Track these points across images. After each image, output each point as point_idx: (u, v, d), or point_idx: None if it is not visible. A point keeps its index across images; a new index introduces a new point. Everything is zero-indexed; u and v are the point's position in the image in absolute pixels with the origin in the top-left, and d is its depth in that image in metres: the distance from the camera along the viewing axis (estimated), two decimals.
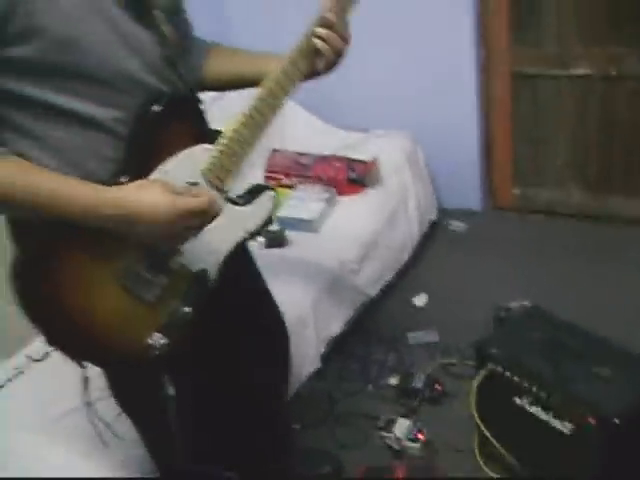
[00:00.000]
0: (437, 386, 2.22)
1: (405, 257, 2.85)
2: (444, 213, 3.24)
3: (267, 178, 2.86)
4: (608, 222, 3.03)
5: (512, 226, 3.19)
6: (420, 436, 2.04)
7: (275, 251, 2.43)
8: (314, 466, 1.98)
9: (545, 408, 1.69)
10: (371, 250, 2.58)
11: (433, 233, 3.14)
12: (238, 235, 1.30)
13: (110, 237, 1.14)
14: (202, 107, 1.28)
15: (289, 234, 2.50)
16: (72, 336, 1.19)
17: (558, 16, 2.83)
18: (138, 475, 1.72)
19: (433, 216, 3.14)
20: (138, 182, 1.14)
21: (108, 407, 1.50)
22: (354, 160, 2.81)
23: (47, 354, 2.07)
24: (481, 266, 2.90)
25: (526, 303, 2.38)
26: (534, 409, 1.71)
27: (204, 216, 1.17)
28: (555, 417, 1.67)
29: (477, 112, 3.11)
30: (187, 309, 1.25)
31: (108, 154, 1.16)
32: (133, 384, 1.38)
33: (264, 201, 1.32)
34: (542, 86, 3.00)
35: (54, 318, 1.16)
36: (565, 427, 1.65)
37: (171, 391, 1.31)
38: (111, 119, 1.14)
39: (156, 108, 1.16)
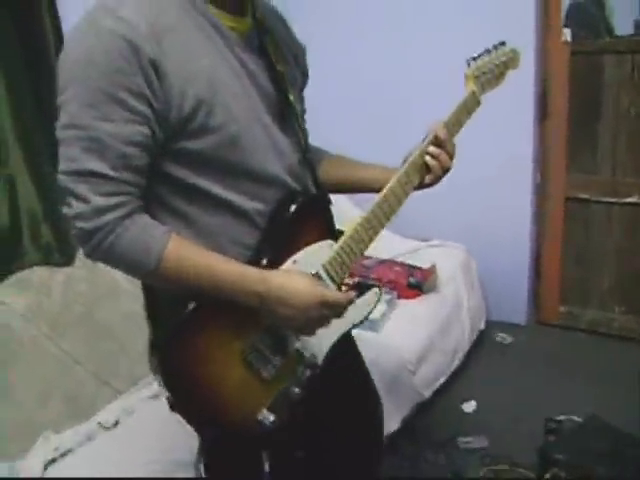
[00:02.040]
0: None
1: (456, 363, 2.94)
2: (491, 324, 3.36)
3: None
4: None
5: (556, 342, 3.29)
6: None
7: None
8: None
9: None
10: (427, 353, 2.68)
11: (481, 342, 3.25)
12: (345, 326, 1.41)
13: (243, 315, 1.24)
14: (331, 206, 1.41)
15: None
16: (194, 402, 1.26)
17: (613, 146, 3.03)
18: None
19: (482, 326, 3.26)
20: (286, 269, 1.27)
21: None
22: (413, 266, 2.97)
23: (117, 423, 2.18)
24: (526, 378, 2.98)
25: (574, 417, 2.47)
26: None
27: (342, 309, 1.29)
28: None
29: (530, 230, 3.28)
30: (297, 390, 1.34)
31: (248, 242, 1.28)
32: (231, 458, 1.43)
33: (370, 296, 1.43)
34: (594, 211, 3.17)
35: (183, 385, 1.24)
36: None
37: (267, 468, 1.36)
38: (256, 211, 1.27)
39: (293, 207, 1.30)
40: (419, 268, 2.96)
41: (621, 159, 3.04)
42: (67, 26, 2.30)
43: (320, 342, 1.38)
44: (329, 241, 1.37)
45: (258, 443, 1.36)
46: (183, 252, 1.18)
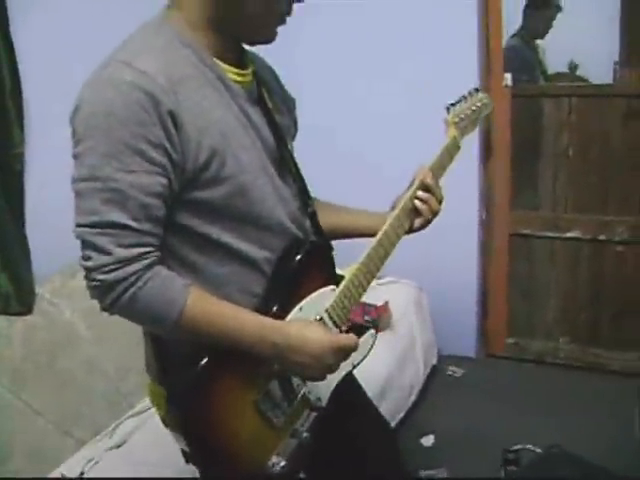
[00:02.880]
0: None
1: (413, 398, 3.00)
2: (442, 358, 3.43)
3: None
4: (595, 373, 3.26)
5: (505, 373, 3.39)
6: None
7: None
8: None
9: None
10: (387, 389, 2.72)
11: (433, 376, 3.31)
12: (347, 367, 1.44)
13: (253, 365, 1.27)
14: (332, 253, 1.46)
15: None
16: (211, 453, 1.27)
17: (554, 185, 3.19)
18: None
19: (434, 360, 3.33)
20: (299, 318, 1.31)
21: None
22: (368, 304, 3.01)
23: (82, 474, 2.13)
24: (480, 409, 3.05)
25: (531, 446, 2.56)
26: None
27: (350, 353, 1.32)
28: None
29: (476, 266, 3.39)
30: (305, 434, 1.37)
31: (255, 290, 1.31)
32: None
33: (367, 338, 1.48)
34: (537, 246, 3.31)
35: (202, 437, 1.26)
36: None
37: None
38: (264, 259, 1.30)
39: (298, 256, 1.34)
40: (374, 306, 3.01)
41: (561, 196, 3.19)
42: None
43: (324, 385, 1.41)
44: (331, 286, 1.41)
45: None
46: (204, 304, 1.20)
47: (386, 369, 2.79)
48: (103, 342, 2.45)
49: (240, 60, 1.31)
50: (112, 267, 1.11)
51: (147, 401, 2.47)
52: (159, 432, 2.23)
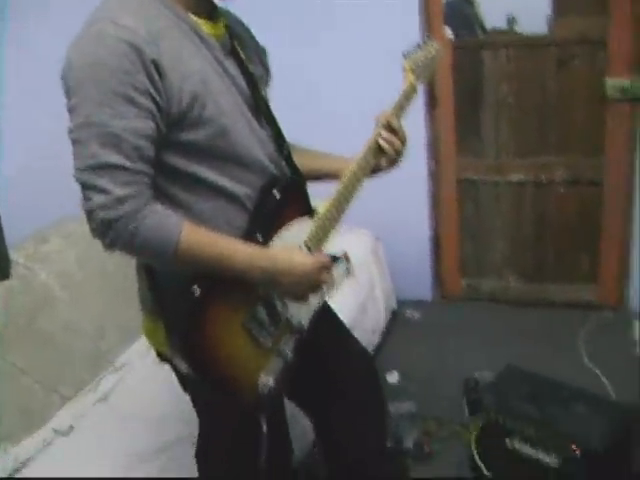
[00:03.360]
0: (425, 447, 2.52)
1: (376, 340, 3.17)
2: (400, 303, 3.61)
3: None
4: (542, 307, 3.50)
5: (460, 312, 3.61)
6: None
7: None
8: None
9: (534, 445, 2.01)
10: (352, 332, 2.88)
11: (394, 320, 3.50)
12: (323, 295, 1.60)
13: (241, 291, 1.41)
14: (306, 187, 1.59)
15: None
16: (209, 374, 1.41)
17: (496, 131, 3.38)
18: None
19: (394, 305, 3.51)
20: (282, 246, 1.44)
21: None
22: (329, 255, 3.16)
23: (71, 427, 2.25)
24: (439, 347, 3.27)
25: (487, 372, 2.76)
26: (524, 448, 2.04)
27: (329, 270, 1.48)
28: (544, 452, 1.99)
29: (428, 213, 3.57)
30: (290, 354, 1.51)
31: (238, 224, 1.43)
32: (232, 422, 1.58)
33: (339, 267, 1.63)
34: (483, 190, 3.51)
35: (201, 359, 1.39)
36: (553, 461, 1.98)
37: (265, 429, 1.52)
38: (245, 195, 1.43)
39: (275, 191, 1.47)
40: (333, 255, 3.16)
41: (503, 142, 3.38)
42: None
43: (305, 310, 1.56)
44: (306, 218, 1.55)
45: (258, 406, 1.50)
46: (197, 236, 1.32)
47: (350, 314, 2.94)
48: (79, 303, 2.55)
49: (212, 15, 1.42)
50: (112, 205, 1.22)
51: (125, 357, 2.61)
52: (138, 385, 2.40)
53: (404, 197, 3.47)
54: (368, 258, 3.32)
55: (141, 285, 1.53)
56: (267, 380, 1.47)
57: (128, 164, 1.23)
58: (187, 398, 2.19)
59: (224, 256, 1.34)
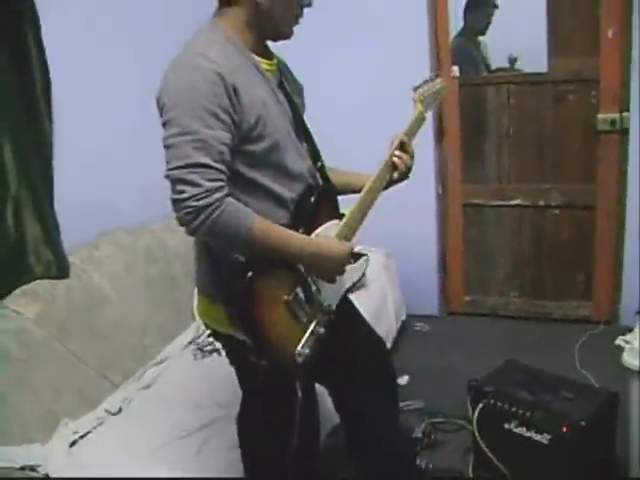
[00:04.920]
0: (432, 436, 2.81)
1: (388, 347, 3.47)
2: (409, 317, 3.91)
3: None
4: (541, 321, 3.81)
5: (465, 326, 3.92)
6: None
7: None
8: None
9: (528, 427, 2.30)
10: None
11: (403, 331, 3.81)
12: (348, 283, 1.94)
13: (285, 275, 1.72)
14: (336, 195, 1.93)
15: None
16: (260, 342, 1.69)
17: (498, 160, 3.73)
18: None
19: (403, 316, 3.82)
20: (324, 237, 1.78)
21: None
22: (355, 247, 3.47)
23: (120, 409, 2.56)
24: (445, 356, 3.56)
25: None
26: (520, 429, 2.32)
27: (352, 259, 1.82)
28: (536, 432, 2.28)
29: (435, 234, 3.91)
30: (322, 330, 1.81)
31: (282, 222, 1.72)
32: (272, 387, 1.88)
33: (362, 262, 1.97)
34: (486, 214, 3.85)
35: (254, 329, 1.67)
36: (544, 438, 2.26)
37: (299, 395, 1.83)
38: (289, 199, 1.77)
39: (312, 198, 1.81)
40: (358, 253, 3.43)
41: (505, 169, 3.72)
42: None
43: (333, 294, 1.89)
44: (336, 220, 1.88)
45: (295, 372, 1.79)
46: (264, 225, 1.63)
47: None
48: (127, 303, 2.87)
49: (267, 54, 1.79)
50: (202, 196, 1.52)
51: (165, 352, 2.92)
52: (178, 376, 2.70)
53: (414, 219, 3.82)
54: (381, 272, 3.63)
55: (200, 274, 1.85)
56: (303, 351, 1.76)
57: (214, 164, 1.55)
58: (220, 387, 2.53)
59: (283, 241, 1.67)
